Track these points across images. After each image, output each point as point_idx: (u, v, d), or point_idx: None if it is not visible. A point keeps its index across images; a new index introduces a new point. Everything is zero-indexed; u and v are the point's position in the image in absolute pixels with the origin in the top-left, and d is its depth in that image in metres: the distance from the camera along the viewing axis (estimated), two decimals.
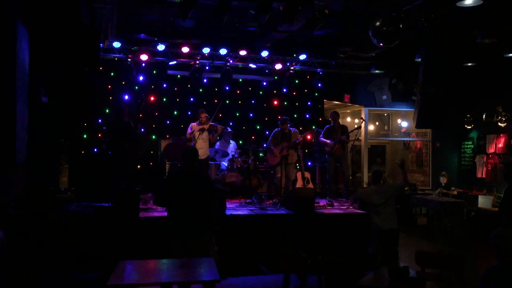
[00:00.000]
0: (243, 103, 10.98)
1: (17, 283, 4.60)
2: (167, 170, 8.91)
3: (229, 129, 9.69)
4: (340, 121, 10.05)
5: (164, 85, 10.39)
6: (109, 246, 6.18)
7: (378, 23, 6.54)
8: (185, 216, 4.79)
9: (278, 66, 10.35)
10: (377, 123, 13.96)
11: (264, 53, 10.06)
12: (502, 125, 10.78)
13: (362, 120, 10.71)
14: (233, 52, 10.09)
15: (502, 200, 5.42)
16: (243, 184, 8.98)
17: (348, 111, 13.64)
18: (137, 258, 4.29)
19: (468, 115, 11.82)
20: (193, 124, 8.89)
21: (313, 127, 11.23)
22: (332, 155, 9.16)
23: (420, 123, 8.54)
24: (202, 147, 8.58)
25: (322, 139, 9.31)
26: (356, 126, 9.61)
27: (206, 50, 9.71)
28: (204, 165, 8.70)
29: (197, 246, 4.71)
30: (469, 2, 6.89)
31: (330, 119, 9.47)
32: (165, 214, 5.03)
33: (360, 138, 11.79)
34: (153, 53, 9.72)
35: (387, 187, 6.72)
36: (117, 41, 8.95)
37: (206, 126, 8.70)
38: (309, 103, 11.44)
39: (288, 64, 10.60)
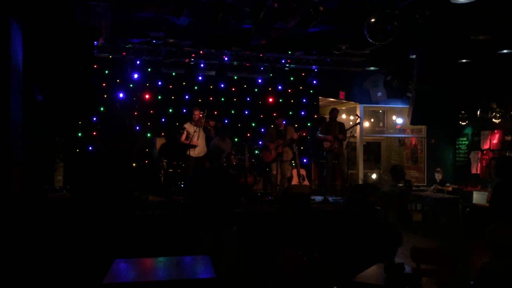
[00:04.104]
0: (238, 100, 10.97)
1: (14, 283, 4.58)
2: (164, 167, 8.93)
3: (223, 124, 9.68)
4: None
5: (159, 83, 10.38)
6: (105, 245, 6.17)
7: (372, 20, 6.54)
8: (214, 211, 4.95)
9: (273, 64, 10.35)
10: (372, 120, 13.98)
11: (259, 51, 10.04)
12: (497, 121, 10.83)
13: (357, 117, 10.72)
14: (228, 49, 10.09)
15: (492, 195, 5.43)
16: (239, 182, 8.97)
17: (343, 108, 13.64)
18: (133, 257, 4.29)
19: (462, 112, 11.87)
20: (187, 125, 8.87)
21: (308, 124, 11.25)
22: (330, 152, 9.18)
23: (415, 119, 8.55)
24: (199, 145, 8.71)
25: (320, 135, 9.31)
26: (351, 123, 9.65)
27: (200, 48, 9.68)
28: (202, 162, 8.71)
29: (224, 240, 4.86)
30: None
31: (328, 116, 9.48)
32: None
33: (355, 135, 11.81)
34: (147, 51, 9.70)
35: (395, 185, 6.65)
36: (112, 39, 8.92)
37: (201, 125, 8.72)
38: (304, 100, 11.45)
39: (283, 61, 10.60)
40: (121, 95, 9.96)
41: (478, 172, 11.59)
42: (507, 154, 10.59)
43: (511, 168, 5.09)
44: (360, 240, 6.93)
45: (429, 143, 12.85)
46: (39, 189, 5.13)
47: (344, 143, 9.25)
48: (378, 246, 6.30)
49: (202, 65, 10.36)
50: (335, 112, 9.39)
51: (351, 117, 13.42)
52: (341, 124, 9.34)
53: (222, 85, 10.66)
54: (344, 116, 13.84)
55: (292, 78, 11.16)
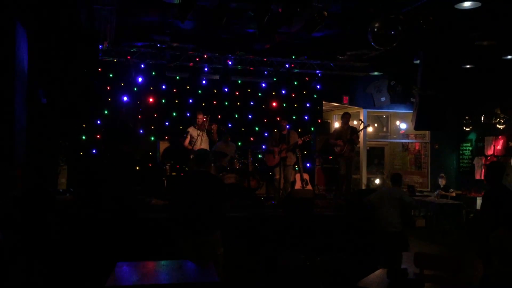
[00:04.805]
0: (242, 104, 10.97)
1: (14, 283, 4.59)
2: (167, 171, 8.93)
3: (226, 128, 9.69)
4: (338, 122, 10.09)
5: (163, 87, 10.39)
6: (108, 247, 6.17)
7: (376, 26, 6.55)
8: (196, 215, 4.83)
9: (277, 68, 10.36)
10: (375, 125, 13.96)
11: (263, 55, 10.06)
12: (501, 127, 10.80)
13: (361, 122, 10.72)
14: (232, 53, 10.11)
15: (482, 202, 5.30)
16: (242, 186, 8.97)
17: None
18: (136, 260, 4.29)
19: (466, 117, 11.85)
20: (190, 129, 8.89)
21: (312, 128, 11.24)
22: (341, 156, 9.21)
23: (418, 125, 8.55)
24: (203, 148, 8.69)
25: (331, 140, 9.38)
26: (356, 127, 9.72)
27: (205, 52, 9.70)
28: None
29: (206, 246, 4.77)
30: (468, 4, 6.91)
31: (340, 120, 9.55)
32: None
33: (358, 139, 11.80)
34: (152, 54, 9.74)
35: (396, 191, 6.66)
36: (116, 42, 8.95)
37: (204, 129, 8.74)
38: (308, 105, 11.44)
39: (287, 65, 10.62)
40: (125, 98, 9.98)
41: (482, 178, 11.53)
42: None
43: (500, 175, 4.99)
44: (362, 244, 6.93)
45: (432, 149, 12.82)
46: (41, 190, 5.14)
47: (355, 147, 9.31)
48: (381, 250, 6.31)
49: (206, 69, 10.37)
50: (347, 116, 9.47)
51: (355, 122, 13.42)
52: (353, 128, 9.40)
53: (226, 89, 10.67)
54: None
55: (296, 83, 11.16)
